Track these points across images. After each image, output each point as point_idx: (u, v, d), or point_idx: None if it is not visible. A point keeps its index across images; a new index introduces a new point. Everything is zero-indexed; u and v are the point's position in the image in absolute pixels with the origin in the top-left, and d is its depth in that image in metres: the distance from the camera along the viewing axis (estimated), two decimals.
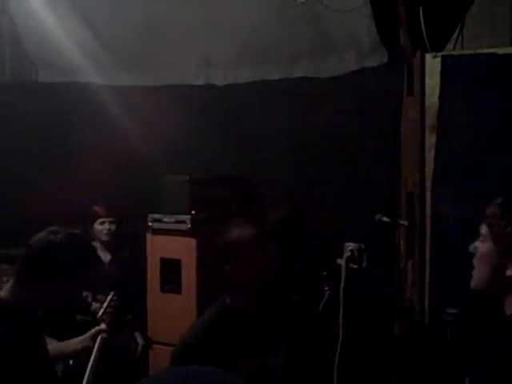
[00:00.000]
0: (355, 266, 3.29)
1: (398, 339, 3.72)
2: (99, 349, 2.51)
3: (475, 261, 1.77)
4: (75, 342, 2.54)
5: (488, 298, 3.22)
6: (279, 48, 4.37)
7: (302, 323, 2.43)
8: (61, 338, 2.77)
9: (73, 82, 4.76)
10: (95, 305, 4.02)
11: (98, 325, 2.62)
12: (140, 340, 4.17)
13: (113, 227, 4.17)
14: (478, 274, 1.76)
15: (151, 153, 4.37)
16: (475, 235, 3.55)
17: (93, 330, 2.55)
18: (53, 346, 2.49)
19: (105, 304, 2.74)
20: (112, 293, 2.78)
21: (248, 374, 2.28)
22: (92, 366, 2.46)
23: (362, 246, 3.29)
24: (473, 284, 1.78)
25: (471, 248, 1.80)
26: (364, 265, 3.31)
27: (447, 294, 3.61)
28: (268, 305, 2.40)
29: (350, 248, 3.30)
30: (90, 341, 2.50)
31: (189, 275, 3.89)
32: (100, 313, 2.70)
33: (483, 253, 1.73)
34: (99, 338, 2.52)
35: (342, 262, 3.29)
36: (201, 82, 4.67)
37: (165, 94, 4.59)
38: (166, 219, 3.98)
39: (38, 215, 4.32)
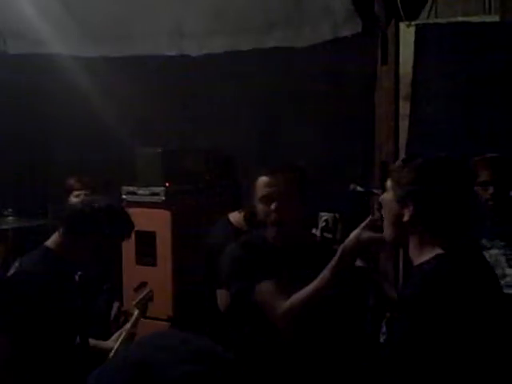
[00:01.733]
0: (329, 236, 3.30)
1: (372, 311, 3.75)
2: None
3: (382, 212, 1.92)
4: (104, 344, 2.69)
5: None
6: (253, 18, 4.32)
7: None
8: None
9: (42, 54, 4.66)
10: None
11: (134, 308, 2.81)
12: (116, 310, 4.17)
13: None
14: (385, 226, 1.89)
15: (123, 125, 4.32)
16: None
17: (116, 333, 2.73)
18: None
19: (143, 294, 2.89)
20: (150, 289, 2.93)
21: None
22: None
23: (337, 215, 3.29)
24: (384, 234, 1.91)
25: (380, 199, 1.95)
26: (339, 235, 3.32)
27: None
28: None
29: (324, 218, 3.29)
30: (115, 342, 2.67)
31: (164, 247, 3.88)
32: (137, 300, 2.86)
33: (386, 202, 1.87)
34: (123, 334, 2.67)
35: (316, 231, 3.30)
36: (174, 52, 4.60)
37: (137, 65, 4.52)
38: (140, 191, 3.96)
39: (11, 188, 4.28)
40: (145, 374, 0.86)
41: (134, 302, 2.88)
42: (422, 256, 1.77)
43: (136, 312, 2.84)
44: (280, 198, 2.41)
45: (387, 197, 1.87)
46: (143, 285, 3.00)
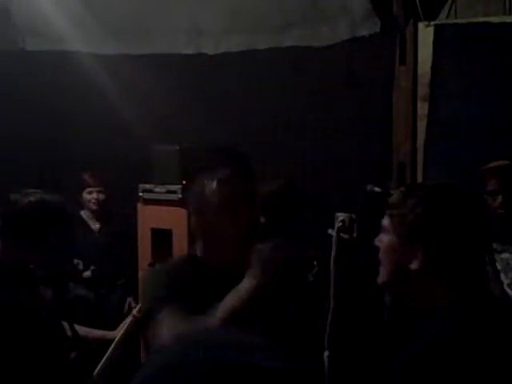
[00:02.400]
0: (346, 236, 3.29)
1: (389, 310, 3.74)
2: (127, 330, 2.56)
3: (380, 255, 1.57)
4: (106, 332, 2.67)
5: None
6: (270, 16, 4.31)
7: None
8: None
9: (61, 51, 4.68)
10: (86, 273, 4.03)
11: None
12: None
13: (101, 196, 4.16)
14: (382, 270, 1.57)
15: (141, 122, 4.33)
16: None
17: (122, 324, 2.64)
18: (82, 329, 2.56)
19: None
20: None
21: None
22: (115, 348, 2.51)
23: (354, 215, 3.29)
24: (379, 280, 1.57)
25: (376, 241, 1.61)
26: (355, 235, 3.31)
27: None
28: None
29: (340, 218, 3.29)
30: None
31: (180, 245, 3.88)
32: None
33: (385, 246, 1.54)
34: (129, 320, 2.58)
35: (332, 232, 3.29)
36: (191, 50, 4.60)
37: (154, 63, 4.53)
38: (156, 189, 3.96)
39: (25, 182, 4.30)
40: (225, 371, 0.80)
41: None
42: (429, 301, 1.50)
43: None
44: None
45: (386, 239, 1.54)
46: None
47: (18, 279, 2.17)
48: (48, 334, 2.16)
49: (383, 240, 1.56)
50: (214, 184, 2.11)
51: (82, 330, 2.56)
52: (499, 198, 3.08)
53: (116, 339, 2.54)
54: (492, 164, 3.16)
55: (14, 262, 2.18)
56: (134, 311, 2.63)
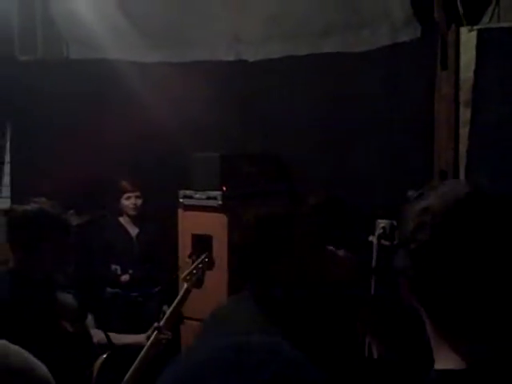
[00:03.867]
0: (387, 243, 3.27)
1: None
2: (151, 345, 2.50)
3: None
4: (133, 338, 2.60)
5: None
6: (310, 22, 4.31)
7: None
8: (93, 312, 2.80)
9: (103, 59, 4.76)
10: (125, 276, 4.08)
11: (183, 282, 2.60)
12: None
13: (139, 202, 4.22)
14: None
15: (182, 130, 4.37)
16: None
17: (150, 330, 2.56)
18: (118, 338, 2.55)
19: (194, 264, 2.67)
20: (205, 254, 2.72)
21: None
22: (140, 362, 2.47)
23: (394, 222, 3.27)
24: None
25: None
26: (396, 242, 3.28)
27: None
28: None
29: (381, 225, 3.28)
30: (145, 340, 2.54)
31: (220, 251, 3.90)
32: (186, 272, 2.66)
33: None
34: (153, 335, 2.52)
35: (373, 239, 3.27)
36: (231, 57, 4.64)
37: (195, 70, 4.57)
38: (197, 195, 4.00)
39: (69, 191, 4.39)
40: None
41: (182, 275, 2.65)
42: (435, 355, 1.12)
43: (184, 286, 2.62)
44: None
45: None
46: (199, 251, 2.74)
47: (23, 285, 2.23)
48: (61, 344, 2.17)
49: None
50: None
51: (115, 337, 2.57)
52: None
53: (142, 352, 2.50)
54: None
55: (17, 269, 2.26)
56: (158, 324, 2.57)
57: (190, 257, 2.77)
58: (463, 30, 3.72)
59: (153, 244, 4.23)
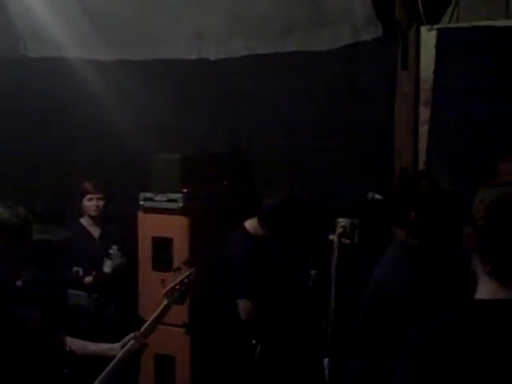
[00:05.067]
0: (347, 242, 3.26)
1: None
2: (127, 353, 2.44)
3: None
4: (105, 348, 2.51)
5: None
6: (272, 21, 4.28)
7: None
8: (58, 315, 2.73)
9: (61, 58, 4.67)
10: (88, 278, 4.02)
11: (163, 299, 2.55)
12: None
13: (101, 203, 4.17)
14: None
15: (143, 130, 4.31)
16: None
17: (126, 338, 2.49)
18: (78, 343, 2.46)
19: (178, 279, 2.60)
20: (192, 270, 2.66)
21: None
22: (112, 369, 2.41)
23: (355, 221, 3.26)
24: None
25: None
26: (356, 240, 3.28)
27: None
28: None
29: (342, 224, 3.27)
30: (119, 350, 2.47)
31: (181, 254, 3.86)
32: (167, 288, 2.59)
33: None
34: (129, 344, 2.46)
35: (334, 237, 3.26)
36: (193, 56, 4.58)
37: (156, 69, 4.51)
38: (157, 198, 3.94)
39: (28, 191, 4.30)
40: None
41: (164, 290, 2.59)
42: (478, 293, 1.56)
43: (164, 302, 2.57)
44: None
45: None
46: (184, 267, 2.67)
47: None
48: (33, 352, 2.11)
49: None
50: None
51: (79, 343, 2.50)
52: None
53: (117, 358, 2.43)
54: (509, 160, 3.11)
55: None
56: (137, 332, 2.51)
57: (176, 271, 2.70)
58: (423, 30, 3.73)
59: (116, 245, 4.17)
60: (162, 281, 2.63)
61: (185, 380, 3.96)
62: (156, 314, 2.56)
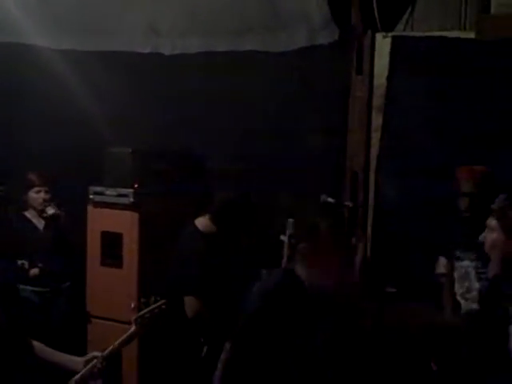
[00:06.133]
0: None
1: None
2: (89, 373, 2.41)
3: (487, 250, 2.00)
4: (68, 360, 2.47)
5: (426, 279, 3.31)
6: (229, 20, 4.28)
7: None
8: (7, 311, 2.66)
9: (14, 43, 4.55)
10: (34, 270, 3.94)
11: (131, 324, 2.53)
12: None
13: (47, 196, 4.07)
14: (493, 264, 1.97)
15: (95, 122, 4.24)
16: (416, 216, 3.63)
17: (90, 355, 2.46)
18: (39, 346, 2.42)
19: (149, 308, 2.57)
20: (163, 301, 2.62)
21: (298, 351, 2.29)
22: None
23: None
24: (490, 274, 2.00)
25: (481, 238, 2.05)
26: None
27: (387, 273, 3.67)
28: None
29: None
30: (82, 366, 2.43)
31: (130, 249, 3.83)
32: (138, 314, 2.55)
33: (493, 242, 1.95)
34: (91, 364, 2.42)
35: (284, 238, 3.29)
36: (147, 50, 4.54)
37: (111, 60, 4.44)
38: (107, 192, 3.90)
39: None
40: None
41: (133, 317, 2.57)
42: None
43: (132, 329, 2.54)
44: None
45: (494, 237, 1.95)
46: (152, 297, 2.63)
47: None
48: None
49: (489, 237, 1.96)
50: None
51: (39, 346, 2.44)
52: (466, 201, 3.12)
53: (80, 374, 2.40)
54: (467, 167, 3.21)
55: None
56: (101, 353, 2.46)
57: (143, 298, 2.63)
58: (378, 37, 3.79)
59: (62, 237, 4.10)
60: (134, 307, 2.66)
61: (132, 378, 3.93)
62: (122, 338, 2.53)
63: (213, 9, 4.29)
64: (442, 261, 3.30)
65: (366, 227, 3.74)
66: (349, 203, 3.59)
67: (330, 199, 3.39)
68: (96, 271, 3.98)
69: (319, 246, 2.36)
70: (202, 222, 3.36)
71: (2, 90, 4.51)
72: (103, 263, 3.95)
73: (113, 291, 3.88)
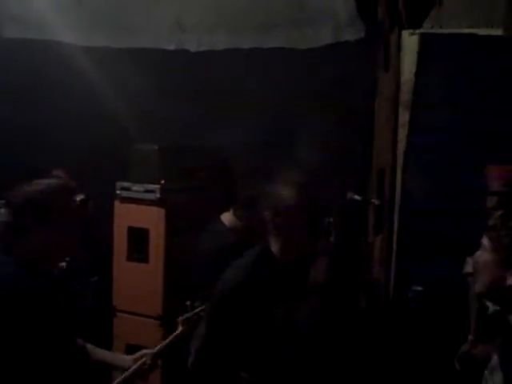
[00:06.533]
0: None
1: (364, 312, 3.76)
2: (139, 370, 2.43)
3: (477, 269, 1.85)
4: (116, 357, 2.51)
5: (455, 279, 3.30)
6: (255, 16, 4.28)
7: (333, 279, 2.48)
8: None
9: (42, 40, 4.59)
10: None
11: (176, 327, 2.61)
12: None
13: None
14: (480, 282, 1.82)
15: (123, 118, 4.27)
16: (443, 214, 3.61)
17: (138, 353, 2.49)
18: (95, 349, 2.44)
19: (196, 311, 2.66)
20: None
21: (279, 323, 2.30)
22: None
23: (331, 219, 3.30)
24: (476, 289, 1.84)
25: (475, 258, 1.87)
26: (332, 239, 3.32)
27: (413, 271, 3.66)
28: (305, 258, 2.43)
29: None
30: (131, 363, 2.45)
31: (157, 245, 3.86)
32: (185, 316, 2.63)
33: (483, 262, 1.79)
34: (141, 361, 2.45)
35: None
36: (173, 46, 4.55)
37: (137, 57, 4.46)
38: (134, 188, 3.93)
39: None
40: None
41: (180, 318, 2.65)
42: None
43: (179, 329, 2.62)
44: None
45: (485, 258, 1.79)
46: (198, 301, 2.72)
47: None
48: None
49: (481, 256, 1.80)
50: (293, 189, 2.41)
51: (95, 349, 2.44)
52: (494, 199, 3.10)
53: (126, 373, 2.41)
54: (496, 165, 3.20)
55: None
56: (150, 351, 2.50)
57: (189, 300, 2.71)
58: (405, 34, 3.77)
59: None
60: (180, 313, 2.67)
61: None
62: (170, 338, 2.60)
63: (238, 5, 4.30)
64: (470, 261, 3.29)
65: (393, 224, 3.73)
66: (375, 200, 3.58)
67: (356, 196, 3.39)
68: (122, 266, 4.02)
69: (283, 219, 2.35)
70: (227, 218, 3.38)
71: (31, 87, 4.55)
72: (129, 258, 3.98)
73: (139, 286, 3.92)
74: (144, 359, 2.45)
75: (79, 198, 3.97)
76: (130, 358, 2.47)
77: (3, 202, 2.17)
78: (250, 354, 2.32)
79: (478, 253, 1.83)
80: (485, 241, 1.79)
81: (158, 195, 3.84)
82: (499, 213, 1.89)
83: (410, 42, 3.77)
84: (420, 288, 3.56)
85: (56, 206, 2.12)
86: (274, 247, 2.38)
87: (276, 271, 2.34)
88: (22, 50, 4.58)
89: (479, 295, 1.85)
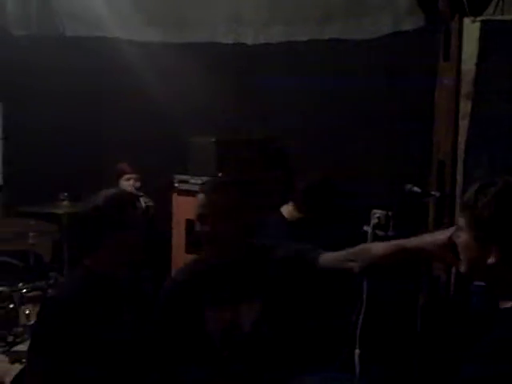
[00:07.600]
0: (381, 233, 3.26)
1: (423, 309, 3.70)
2: None
3: (459, 249, 1.67)
4: None
5: None
6: (311, 8, 4.27)
7: (278, 276, 2.35)
8: None
9: (100, 37, 4.69)
10: None
11: None
12: None
13: (137, 184, 4.23)
14: (463, 263, 1.65)
15: (179, 112, 4.32)
16: None
17: None
18: None
19: None
20: None
21: (222, 326, 2.28)
22: None
23: (389, 213, 3.26)
24: (461, 270, 1.67)
25: (454, 236, 1.70)
26: (390, 232, 3.28)
27: None
28: (244, 257, 2.37)
29: (376, 215, 3.26)
30: None
31: None
32: None
33: (462, 243, 1.62)
34: None
35: (368, 228, 3.26)
36: (230, 40, 4.58)
37: (193, 51, 4.50)
38: (192, 180, 3.96)
39: (66, 173, 4.34)
40: None
41: None
42: (508, 290, 1.58)
43: None
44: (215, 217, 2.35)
45: (463, 238, 1.62)
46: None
47: None
48: None
49: (459, 237, 1.64)
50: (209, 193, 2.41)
51: None
52: None
53: None
54: None
55: None
56: None
57: None
58: (466, 21, 3.68)
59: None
60: None
61: None
62: None
63: None
64: None
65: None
66: (436, 193, 3.51)
67: (415, 188, 3.33)
68: (181, 258, 4.05)
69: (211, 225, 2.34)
70: (286, 210, 3.39)
71: (89, 84, 4.66)
72: (188, 251, 4.01)
73: None
74: None
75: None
76: None
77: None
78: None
79: (456, 233, 1.66)
80: (460, 221, 1.62)
81: None
82: (473, 188, 1.66)
83: (471, 30, 3.67)
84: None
85: (126, 217, 2.22)
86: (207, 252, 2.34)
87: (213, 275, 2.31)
88: (83, 48, 4.69)
89: (464, 275, 1.65)
